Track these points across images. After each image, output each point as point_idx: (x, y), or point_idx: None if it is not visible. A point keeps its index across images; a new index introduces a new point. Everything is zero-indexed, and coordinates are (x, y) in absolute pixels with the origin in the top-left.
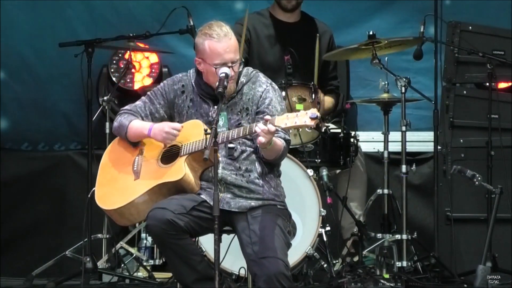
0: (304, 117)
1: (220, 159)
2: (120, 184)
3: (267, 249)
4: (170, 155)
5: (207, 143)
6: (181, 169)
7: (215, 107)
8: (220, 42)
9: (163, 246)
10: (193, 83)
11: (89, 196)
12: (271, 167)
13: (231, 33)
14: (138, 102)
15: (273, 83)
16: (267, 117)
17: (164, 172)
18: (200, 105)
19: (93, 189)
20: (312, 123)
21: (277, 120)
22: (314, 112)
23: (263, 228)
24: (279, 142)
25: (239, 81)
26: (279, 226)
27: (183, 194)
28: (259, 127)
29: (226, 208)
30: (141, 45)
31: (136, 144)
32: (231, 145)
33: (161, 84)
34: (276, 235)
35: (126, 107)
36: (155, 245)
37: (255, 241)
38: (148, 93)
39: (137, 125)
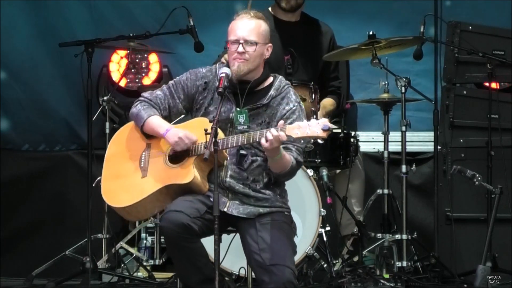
0: (316, 127)
1: (229, 166)
2: (127, 181)
3: (277, 257)
4: (178, 153)
5: (207, 143)
6: (190, 172)
7: (237, 108)
8: (239, 20)
9: (174, 248)
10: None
11: (89, 196)
12: None
13: (255, 17)
14: (158, 92)
15: (301, 102)
16: (281, 123)
17: (172, 172)
18: (222, 103)
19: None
20: (324, 135)
21: (288, 129)
22: (325, 123)
23: (272, 235)
24: (288, 157)
25: (269, 94)
26: (286, 234)
27: (194, 195)
28: (271, 133)
29: (234, 214)
30: (141, 45)
31: (147, 136)
32: (243, 152)
33: (184, 76)
34: (285, 242)
35: (146, 94)
36: (155, 245)
37: (263, 247)
38: (170, 83)
39: (155, 123)
